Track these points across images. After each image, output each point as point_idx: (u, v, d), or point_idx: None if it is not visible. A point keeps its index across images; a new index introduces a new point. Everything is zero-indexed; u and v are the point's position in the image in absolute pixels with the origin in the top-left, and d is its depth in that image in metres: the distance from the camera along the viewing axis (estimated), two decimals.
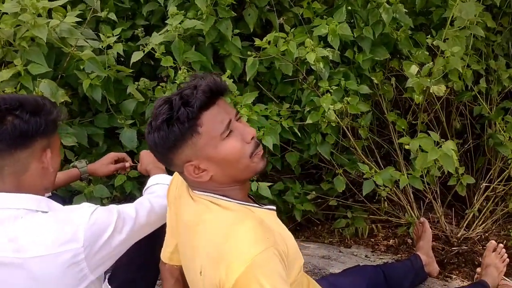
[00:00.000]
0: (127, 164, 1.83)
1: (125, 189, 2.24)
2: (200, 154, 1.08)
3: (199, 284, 1.11)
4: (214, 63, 2.30)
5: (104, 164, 1.80)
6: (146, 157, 1.71)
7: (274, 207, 1.18)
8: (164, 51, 2.07)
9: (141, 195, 1.50)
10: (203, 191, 1.13)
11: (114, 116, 2.22)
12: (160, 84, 2.12)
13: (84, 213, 1.19)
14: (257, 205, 1.16)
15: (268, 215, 1.15)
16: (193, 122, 1.05)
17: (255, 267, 0.98)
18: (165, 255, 1.36)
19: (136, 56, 2.04)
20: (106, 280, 1.54)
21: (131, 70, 2.17)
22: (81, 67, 2.01)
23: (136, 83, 2.15)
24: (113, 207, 1.27)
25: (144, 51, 2.05)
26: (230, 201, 1.12)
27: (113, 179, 2.28)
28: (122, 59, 2.30)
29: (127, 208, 1.31)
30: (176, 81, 2.05)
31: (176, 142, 1.06)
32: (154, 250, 1.53)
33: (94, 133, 2.23)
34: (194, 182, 1.13)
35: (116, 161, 1.84)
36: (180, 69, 2.07)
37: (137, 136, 2.20)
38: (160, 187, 1.46)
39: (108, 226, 1.21)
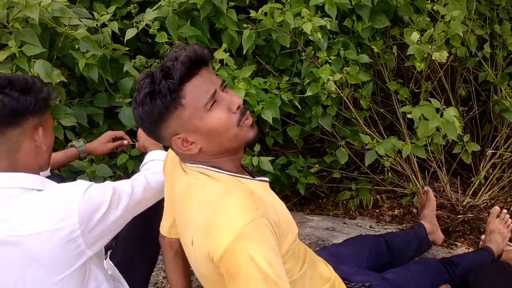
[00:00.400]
0: (125, 142, 1.83)
1: (127, 167, 2.26)
2: (186, 127, 1.06)
3: (191, 255, 1.11)
4: (211, 37, 2.27)
5: (103, 142, 1.80)
6: (143, 134, 1.71)
7: (267, 179, 1.17)
8: (159, 27, 2.05)
9: None
10: (193, 163, 1.13)
11: (113, 95, 2.22)
12: (156, 61, 2.10)
13: (78, 190, 1.18)
14: (248, 177, 1.15)
15: (260, 186, 1.13)
16: (176, 94, 1.03)
17: (243, 237, 0.98)
18: (164, 228, 1.37)
19: (130, 33, 2.02)
20: (108, 257, 1.55)
21: (126, 48, 2.15)
22: (76, 46, 2.00)
23: (133, 60, 2.14)
24: (108, 184, 1.27)
25: (138, 28, 2.03)
26: (220, 172, 1.11)
27: (115, 158, 2.29)
28: (121, 39, 2.28)
29: (122, 185, 1.30)
30: None
31: (160, 116, 1.05)
32: (153, 225, 1.53)
33: (94, 113, 2.23)
34: (183, 155, 1.12)
35: (114, 139, 1.84)
36: (175, 44, 2.04)
37: None
38: (156, 163, 1.46)
39: (103, 203, 1.20)
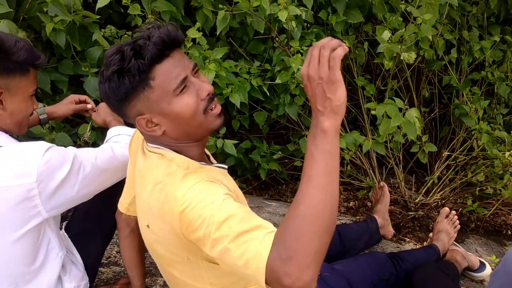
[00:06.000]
0: (89, 106, 1.77)
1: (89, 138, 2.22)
2: (152, 108, 1.04)
3: (149, 236, 1.11)
4: (185, 14, 2.24)
5: (64, 104, 1.74)
6: (105, 108, 1.68)
7: (226, 166, 1.17)
8: None
9: None
10: (157, 145, 1.11)
11: (79, 63, 2.16)
12: (127, 32, 2.06)
13: (38, 149, 1.17)
14: (206, 164, 1.14)
15: (217, 171, 1.13)
16: (145, 75, 1.00)
17: (189, 200, 0.95)
18: (123, 205, 1.36)
19: (103, 2, 1.96)
20: (63, 228, 1.54)
21: (97, 17, 2.09)
22: (45, 9, 1.93)
23: (103, 30, 2.09)
24: (70, 149, 1.25)
25: None
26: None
27: (77, 127, 2.25)
28: (92, 5, 2.21)
29: (86, 152, 1.29)
30: None
31: (127, 95, 1.02)
32: (110, 201, 1.52)
33: (59, 79, 2.17)
34: (147, 135, 1.11)
35: (77, 103, 1.78)
36: (147, 18, 2.01)
37: None
38: (124, 137, 1.45)
39: (63, 165, 1.19)
